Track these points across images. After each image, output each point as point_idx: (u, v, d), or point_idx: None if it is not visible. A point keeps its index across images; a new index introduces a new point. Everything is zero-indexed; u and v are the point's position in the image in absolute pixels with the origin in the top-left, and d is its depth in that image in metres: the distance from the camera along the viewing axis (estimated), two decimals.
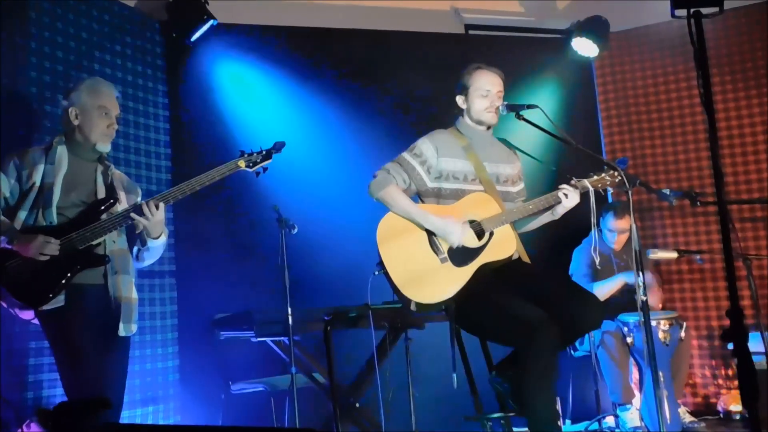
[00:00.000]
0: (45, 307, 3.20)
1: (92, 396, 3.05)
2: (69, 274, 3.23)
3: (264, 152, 3.59)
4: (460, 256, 3.46)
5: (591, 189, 3.57)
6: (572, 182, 3.57)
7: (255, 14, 5.37)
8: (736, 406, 5.24)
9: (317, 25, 5.57)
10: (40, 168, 3.34)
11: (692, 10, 2.27)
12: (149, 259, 3.60)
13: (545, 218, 3.72)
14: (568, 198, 3.53)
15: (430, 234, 3.50)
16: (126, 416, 3.85)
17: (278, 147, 3.63)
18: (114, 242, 3.41)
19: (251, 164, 3.56)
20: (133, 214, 3.34)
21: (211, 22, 4.99)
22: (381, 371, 4.14)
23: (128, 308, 3.41)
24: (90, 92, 3.46)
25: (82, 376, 3.16)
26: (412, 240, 3.51)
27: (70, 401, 3.03)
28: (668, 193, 4.28)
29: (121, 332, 3.37)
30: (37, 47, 4.31)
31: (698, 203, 4.77)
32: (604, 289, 4.97)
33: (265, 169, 3.60)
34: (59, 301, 3.21)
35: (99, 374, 3.19)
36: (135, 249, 3.56)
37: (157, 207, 3.35)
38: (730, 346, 2.09)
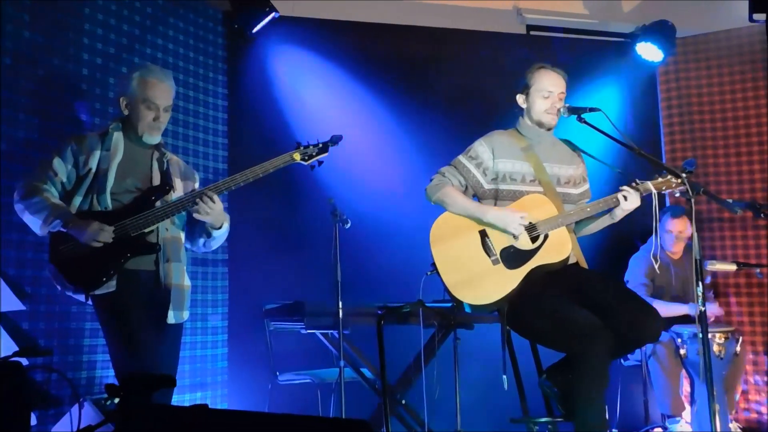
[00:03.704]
0: (96, 292, 3.23)
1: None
2: (120, 261, 3.25)
3: (320, 145, 3.50)
4: (513, 258, 3.42)
5: (654, 192, 3.46)
6: (633, 184, 3.48)
7: (314, 8, 5.39)
8: None
9: (377, 21, 5.57)
10: (97, 154, 3.35)
11: None
12: (216, 244, 3.62)
13: (604, 221, 3.63)
14: (628, 200, 3.44)
15: (483, 235, 3.47)
16: (174, 401, 3.89)
17: (335, 140, 3.52)
18: (167, 230, 3.41)
19: (306, 157, 3.48)
20: (195, 215, 3.35)
21: (273, 14, 5.03)
22: (428, 369, 4.13)
23: (179, 295, 3.41)
24: (138, 82, 3.42)
25: (133, 361, 3.17)
26: (464, 241, 3.48)
27: (137, 376, 3.05)
28: (731, 203, 4.16)
29: (170, 319, 3.37)
30: (104, 33, 4.39)
31: (762, 215, 4.63)
32: (663, 310, 4.74)
33: (320, 162, 3.50)
34: (111, 286, 3.23)
35: (149, 359, 3.19)
36: (201, 240, 3.55)
37: (212, 199, 3.33)
38: None
